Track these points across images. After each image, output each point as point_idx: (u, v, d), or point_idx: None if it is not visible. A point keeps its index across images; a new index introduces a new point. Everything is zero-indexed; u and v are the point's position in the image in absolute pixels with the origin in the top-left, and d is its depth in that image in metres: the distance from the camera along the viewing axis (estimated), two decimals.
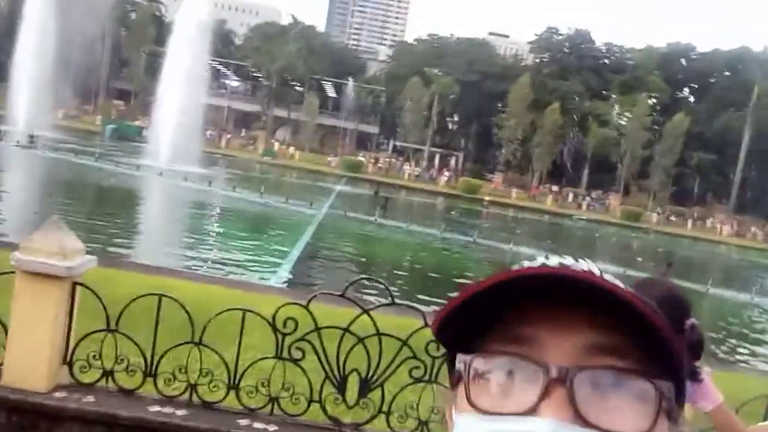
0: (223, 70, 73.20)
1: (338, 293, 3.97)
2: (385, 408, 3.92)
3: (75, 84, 46.91)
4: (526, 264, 0.49)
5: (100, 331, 3.80)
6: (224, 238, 14.50)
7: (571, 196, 56.13)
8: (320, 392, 3.91)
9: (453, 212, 34.64)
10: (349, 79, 68.60)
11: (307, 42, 74.64)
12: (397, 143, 67.68)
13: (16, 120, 34.92)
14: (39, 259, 3.57)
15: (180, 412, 3.80)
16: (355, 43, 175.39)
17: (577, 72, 69.38)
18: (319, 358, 3.91)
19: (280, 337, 3.88)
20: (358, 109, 70.86)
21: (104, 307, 3.76)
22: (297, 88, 72.10)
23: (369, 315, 3.92)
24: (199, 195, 21.32)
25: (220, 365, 3.93)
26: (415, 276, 13.51)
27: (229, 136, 55.28)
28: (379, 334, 3.90)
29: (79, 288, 3.81)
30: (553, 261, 0.50)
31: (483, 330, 0.54)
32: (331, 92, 74.56)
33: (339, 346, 3.90)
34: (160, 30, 60.86)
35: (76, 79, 45.56)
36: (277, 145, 56.98)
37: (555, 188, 56.68)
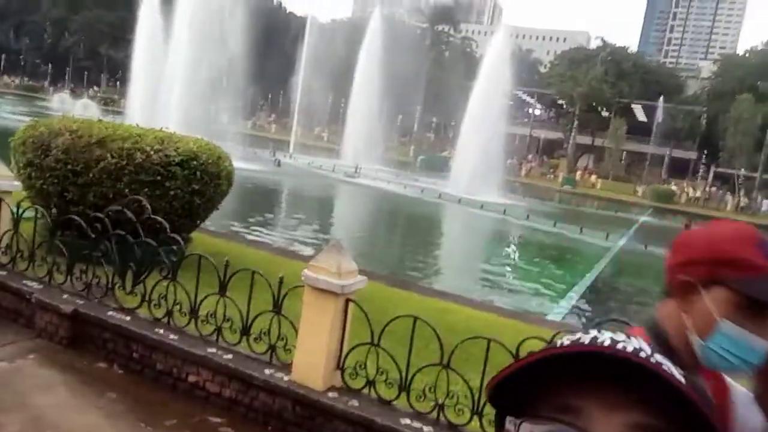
0: (527, 98, 74.44)
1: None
2: None
3: (396, 119, 52.98)
4: (579, 337, 0.54)
5: (366, 344, 4.35)
6: (509, 267, 14.78)
7: None
8: None
9: None
10: (660, 99, 63.27)
11: (615, 64, 71.43)
12: (720, 170, 59.86)
13: (347, 154, 40.90)
14: (321, 277, 4.27)
15: (428, 428, 4.11)
16: (674, 60, 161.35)
17: None
18: None
19: None
20: (672, 132, 64.80)
21: (369, 324, 4.30)
22: (603, 113, 69.35)
23: None
24: (491, 223, 22.09)
25: (466, 389, 4.13)
26: None
27: (530, 164, 55.79)
28: None
29: (351, 304, 4.44)
30: (605, 336, 0.54)
31: (534, 396, 0.57)
32: (641, 116, 69.79)
33: None
34: (470, 65, 64.80)
35: (397, 115, 51.42)
36: (578, 173, 55.47)
37: None
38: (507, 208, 24.58)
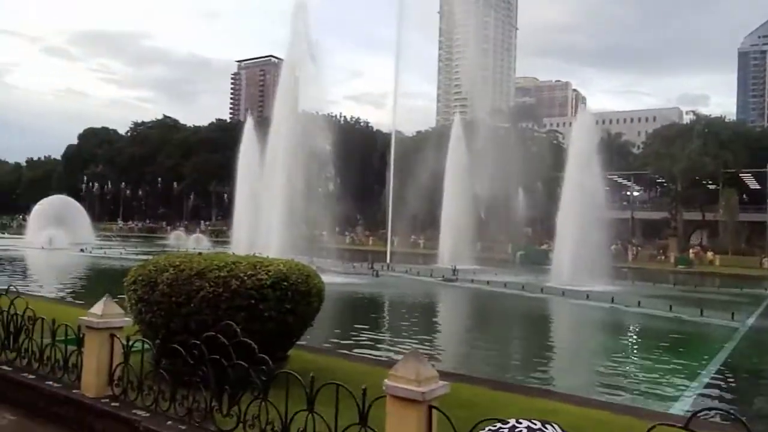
0: (624, 181, 72.43)
1: (680, 425, 3.56)
2: None
3: (491, 218, 53.02)
4: (498, 428, 0.63)
5: None
6: (623, 359, 13.84)
7: None
8: None
9: None
10: None
11: (714, 135, 68.73)
12: None
13: (444, 258, 41.04)
14: (400, 385, 4.28)
15: None
16: None
17: None
18: None
19: None
20: None
21: (454, 430, 4.19)
22: (709, 186, 65.98)
23: None
24: (599, 313, 20.98)
25: None
26: None
27: (636, 248, 53.25)
28: None
29: (434, 411, 4.37)
30: (522, 426, 0.65)
31: None
32: (753, 184, 65.71)
33: None
34: (559, 156, 64.55)
35: (492, 213, 51.55)
36: (692, 252, 52.18)
37: None
38: (615, 295, 23.37)
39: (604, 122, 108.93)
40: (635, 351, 15.44)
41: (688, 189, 64.65)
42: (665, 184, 71.17)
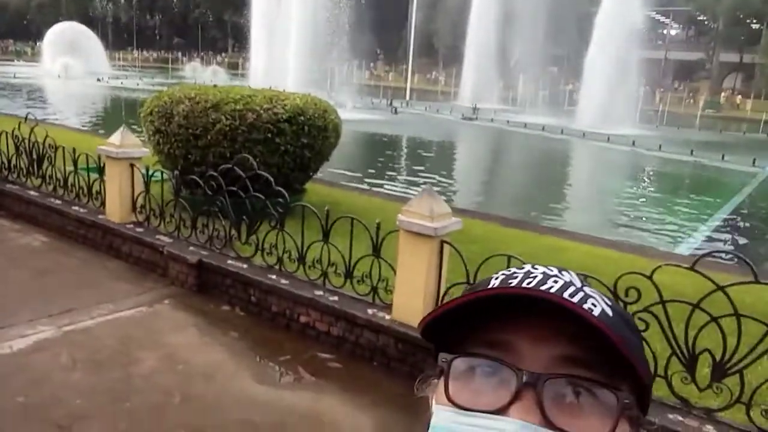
0: (662, 18, 68.03)
1: (686, 266, 3.65)
2: (745, 398, 3.48)
3: (513, 57, 50.78)
4: (513, 272, 0.58)
5: (462, 283, 4.40)
6: (635, 201, 13.98)
7: None
8: (665, 369, 3.72)
9: None
10: None
11: None
12: None
13: (464, 97, 40.16)
14: (414, 221, 4.37)
15: None
16: None
17: None
18: (665, 333, 3.70)
19: (621, 305, 3.82)
20: None
21: (465, 264, 4.34)
22: (753, 25, 61.80)
23: (724, 292, 3.49)
24: (617, 156, 20.85)
25: None
26: None
27: (663, 90, 51.45)
28: (737, 315, 3.45)
29: (446, 245, 4.51)
30: (538, 271, 0.58)
31: (466, 333, 0.59)
32: None
33: (687, 323, 3.63)
34: None
35: (515, 52, 49.28)
36: (723, 96, 50.41)
37: None
38: (636, 139, 23.04)
39: None
40: (649, 193, 15.55)
41: (730, 28, 60.73)
42: (705, 22, 66.84)
